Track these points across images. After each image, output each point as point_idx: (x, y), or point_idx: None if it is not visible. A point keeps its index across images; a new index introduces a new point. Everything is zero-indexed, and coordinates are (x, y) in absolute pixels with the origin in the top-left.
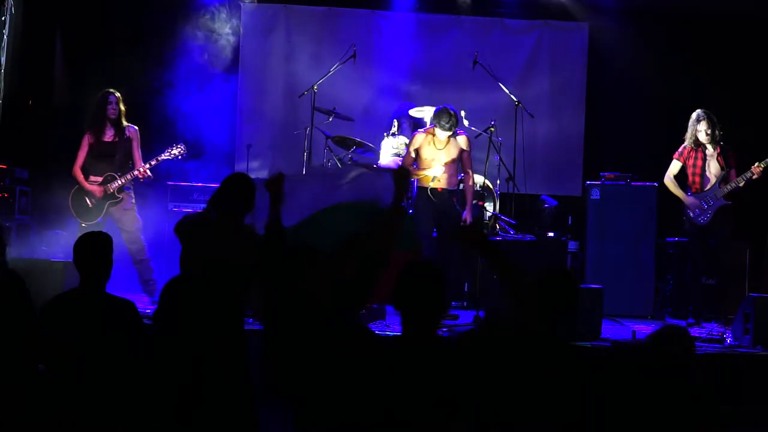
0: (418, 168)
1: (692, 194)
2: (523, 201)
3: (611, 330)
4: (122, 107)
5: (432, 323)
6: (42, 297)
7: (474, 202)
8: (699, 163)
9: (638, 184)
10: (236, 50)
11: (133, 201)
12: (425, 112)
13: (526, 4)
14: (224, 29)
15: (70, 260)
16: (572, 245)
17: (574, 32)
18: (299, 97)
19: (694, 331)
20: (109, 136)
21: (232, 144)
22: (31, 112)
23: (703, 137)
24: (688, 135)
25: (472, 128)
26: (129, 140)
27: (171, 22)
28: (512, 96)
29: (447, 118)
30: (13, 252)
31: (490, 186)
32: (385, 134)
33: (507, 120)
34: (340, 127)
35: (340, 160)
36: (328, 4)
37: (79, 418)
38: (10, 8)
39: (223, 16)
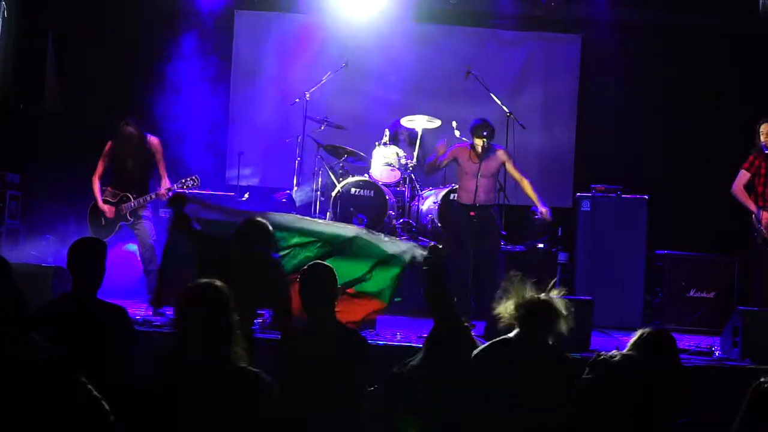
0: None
1: (759, 207)
2: (514, 212)
3: (600, 341)
4: (139, 136)
5: None
6: (31, 302)
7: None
8: (764, 172)
9: (629, 196)
10: (229, 57)
11: (149, 213)
12: (416, 122)
13: (519, 15)
14: (217, 36)
15: (60, 265)
16: (562, 256)
17: (567, 44)
18: (291, 105)
19: (684, 344)
20: (128, 156)
21: (224, 151)
22: (22, 116)
23: (764, 138)
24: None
25: (463, 138)
26: (151, 156)
27: (163, 29)
28: (504, 107)
29: (486, 130)
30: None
31: None
32: (376, 143)
33: (498, 131)
34: (331, 136)
35: (331, 168)
36: (321, 12)
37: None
38: (3, 12)
39: (216, 22)
